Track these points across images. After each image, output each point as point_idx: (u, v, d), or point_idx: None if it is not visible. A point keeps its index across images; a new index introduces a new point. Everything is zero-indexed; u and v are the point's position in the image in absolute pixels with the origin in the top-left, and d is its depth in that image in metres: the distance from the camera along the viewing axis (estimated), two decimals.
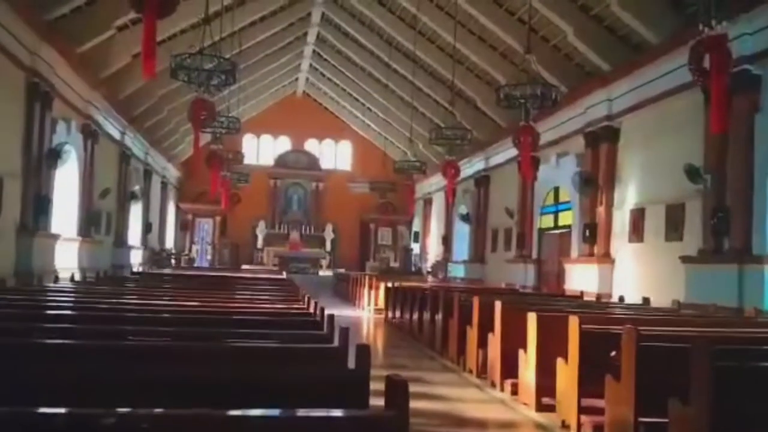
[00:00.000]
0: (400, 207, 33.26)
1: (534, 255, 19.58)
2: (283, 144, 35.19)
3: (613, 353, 5.45)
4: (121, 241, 22.52)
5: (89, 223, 18.82)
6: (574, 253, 16.93)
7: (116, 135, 21.93)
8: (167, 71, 12.66)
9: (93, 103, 18.67)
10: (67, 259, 16.75)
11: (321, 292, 21.40)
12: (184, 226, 33.39)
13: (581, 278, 15.85)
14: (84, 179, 18.61)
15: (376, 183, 28.59)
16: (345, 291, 21.61)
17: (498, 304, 8.04)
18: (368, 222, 34.80)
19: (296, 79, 32.42)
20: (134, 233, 24.65)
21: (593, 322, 6.36)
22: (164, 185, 30.00)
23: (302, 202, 34.41)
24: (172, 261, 29.48)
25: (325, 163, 35.05)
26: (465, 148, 20.61)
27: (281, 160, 34.35)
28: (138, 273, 16.97)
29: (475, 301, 9.04)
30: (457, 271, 25.57)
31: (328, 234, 33.34)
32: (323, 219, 33.76)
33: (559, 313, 7.19)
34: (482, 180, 24.50)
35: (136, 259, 24.34)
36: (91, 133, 18.80)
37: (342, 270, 28.12)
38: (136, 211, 24.80)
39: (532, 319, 7.02)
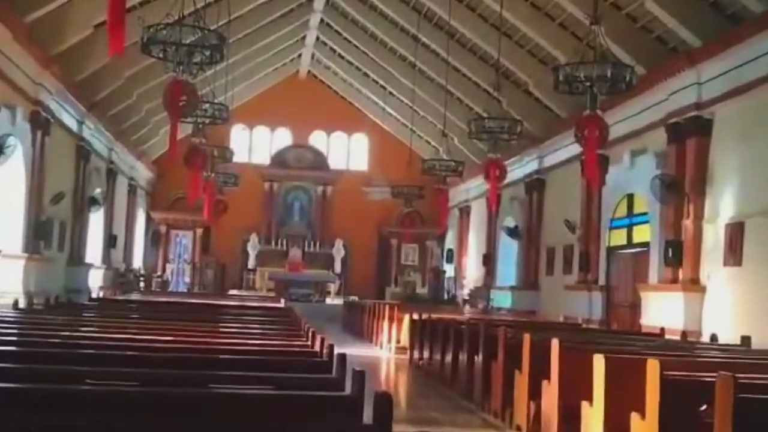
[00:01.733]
0: (429, 218, 33.22)
1: (601, 280, 19.45)
2: (283, 138, 35.41)
3: (704, 407, 5.39)
4: (77, 259, 22.71)
5: (37, 235, 19.01)
6: (653, 278, 16.79)
7: (73, 125, 22.18)
8: (137, 46, 12.79)
9: (44, 85, 18.91)
10: (8, 280, 16.91)
11: (329, 325, 21.38)
12: (157, 241, 33.63)
13: (662, 311, 15.70)
14: (32, 180, 18.81)
15: (399, 187, 28.56)
16: (359, 324, 21.59)
17: (555, 344, 7.98)
18: (389, 236, 34.83)
19: (299, 56, 32.64)
20: (94, 249, 24.85)
21: (678, 368, 6.29)
22: (132, 189, 30.26)
23: (305, 210, 34.54)
24: (141, 284, 29.64)
25: (335, 162, 35.19)
26: (513, 143, 20.52)
27: (279, 158, 34.54)
28: (98, 299, 17.06)
29: (526, 339, 8.98)
30: (503, 300, 25.45)
31: (338, 251, 33.40)
32: (332, 232, 33.85)
33: (633, 356, 7.12)
34: (535, 184, 24.44)
35: (96, 281, 24.54)
36: (41, 123, 19.02)
37: (355, 297, 28.10)
38: (96, 220, 25.02)
39: (599, 362, 6.97)
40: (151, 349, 6.27)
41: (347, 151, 35.87)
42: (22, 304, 12.30)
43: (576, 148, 17.04)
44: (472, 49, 23.95)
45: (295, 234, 33.64)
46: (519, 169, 24.96)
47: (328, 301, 29.80)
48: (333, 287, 31.71)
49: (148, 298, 17.87)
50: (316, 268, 32.26)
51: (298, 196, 34.67)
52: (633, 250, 18.52)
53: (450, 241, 34.26)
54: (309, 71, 34.17)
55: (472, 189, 30.86)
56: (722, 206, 14.99)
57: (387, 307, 18.57)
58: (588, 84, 12.01)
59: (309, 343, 7.21)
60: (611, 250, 19.40)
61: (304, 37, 30.39)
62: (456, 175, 24.81)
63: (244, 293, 28.37)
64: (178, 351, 6.25)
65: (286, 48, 30.22)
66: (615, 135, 16.41)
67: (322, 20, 28.77)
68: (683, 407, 5.68)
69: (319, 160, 34.66)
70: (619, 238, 19.23)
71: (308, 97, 33.38)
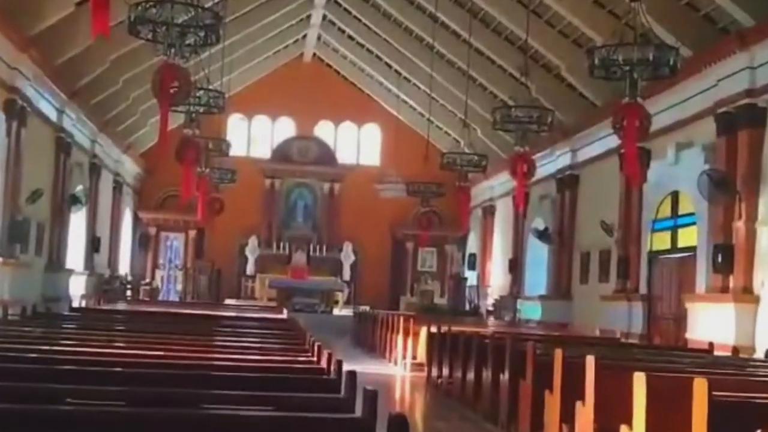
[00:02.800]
0: (449, 218, 33.19)
1: (642, 289, 19.39)
2: (285, 129, 35.47)
3: None
4: (56, 264, 22.79)
5: (12, 237, 19.07)
6: (701, 287, 16.73)
7: (52, 115, 22.26)
8: (123, 26, 12.82)
9: (20, 70, 18.97)
10: None
11: (337, 338, 21.39)
12: (145, 244, 33.73)
13: (711, 323, 15.63)
14: (6, 176, 18.88)
15: (415, 184, 28.57)
16: (370, 338, 21.60)
17: (590, 361, 7.96)
18: (404, 239, 34.83)
19: (304, 37, 32.68)
20: (75, 253, 24.94)
21: (728, 388, 6.27)
22: (118, 186, 30.35)
23: (311, 210, 34.58)
24: (128, 292, 29.71)
25: (344, 156, 35.24)
26: (543, 135, 20.48)
27: (282, 152, 34.59)
28: (80, 309, 17.12)
29: (557, 355, 8.96)
30: (531, 311, 25.41)
31: (347, 256, 33.42)
32: (340, 235, 33.88)
33: (678, 375, 7.10)
34: (567, 181, 24.41)
35: (78, 288, 24.62)
36: (16, 113, 19.09)
37: (366, 308, 28.11)
38: (78, 221, 25.10)
39: (639, 382, 6.94)
40: (139, 365, 6.29)
41: (357, 144, 35.89)
42: None
43: (614, 141, 16.98)
44: (497, 29, 23.91)
45: (299, 236, 33.66)
46: (549, 163, 24.91)
47: (336, 311, 29.81)
48: (341, 296, 31.71)
49: (136, 308, 17.92)
50: (323, 275, 32.27)
51: (302, 194, 34.70)
52: (678, 256, 18.43)
53: (472, 245, 34.21)
54: (314, 54, 34.20)
55: (496, 186, 30.79)
56: None
57: (402, 318, 18.58)
58: (627, 68, 11.98)
59: (314, 358, 7.23)
60: (653, 256, 19.31)
61: (309, 16, 30.40)
62: (479, 171, 24.77)
63: (242, 303, 28.40)
64: (169, 367, 6.26)
65: (289, 28, 30.25)
66: (658, 126, 16.34)
67: None
68: None
69: (325, 154, 34.68)
70: (662, 241, 19.15)
71: (314, 84, 33.39)
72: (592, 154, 22.85)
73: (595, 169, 22.76)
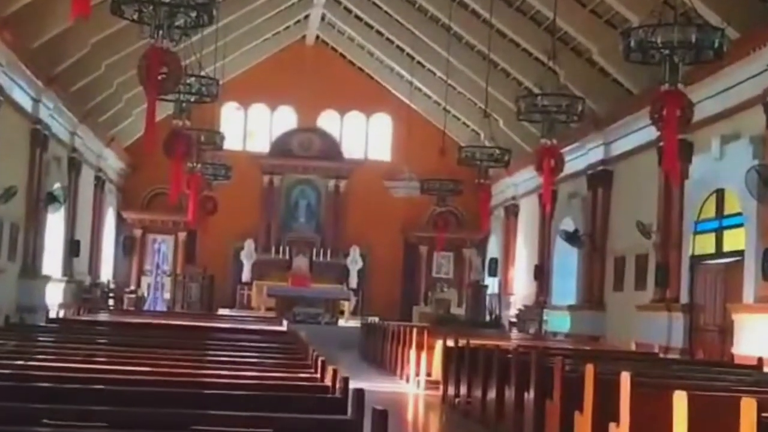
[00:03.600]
0: (467, 219, 33.19)
1: (683, 298, 19.36)
2: (285, 119, 35.51)
3: None
4: (31, 270, 22.84)
5: None
6: (749, 296, 16.67)
7: (27, 104, 22.33)
8: (106, 5, 12.85)
9: None
10: None
11: (342, 352, 21.47)
12: (130, 248, 33.78)
13: (760, 337, 15.58)
14: None
15: (430, 181, 28.53)
16: (380, 352, 21.59)
17: (625, 378, 7.94)
18: (417, 243, 34.84)
19: (306, 18, 32.70)
20: (53, 257, 25.01)
21: None
22: (100, 183, 30.42)
23: (314, 210, 34.61)
24: (111, 302, 29.75)
25: (351, 150, 35.27)
26: (572, 126, 20.47)
27: (282, 145, 34.63)
28: (58, 320, 17.14)
29: (588, 371, 8.95)
30: (559, 322, 25.40)
31: (354, 262, 33.45)
32: (346, 238, 33.92)
33: (724, 394, 7.08)
34: (600, 177, 24.38)
35: (56, 297, 24.68)
36: None
37: (375, 319, 28.14)
38: (55, 222, 25.16)
39: (680, 401, 6.93)
40: (123, 383, 6.30)
41: (365, 137, 35.92)
42: None
43: (652, 133, 16.96)
44: (521, 8, 23.89)
45: (301, 240, 33.69)
46: (580, 158, 24.89)
47: (342, 323, 29.79)
48: (348, 306, 31.68)
49: (119, 319, 17.94)
50: (327, 283, 32.29)
51: (304, 192, 34.73)
52: (723, 261, 18.38)
53: (493, 249, 34.18)
54: (318, 37, 34.21)
55: (520, 183, 30.75)
56: None
57: (415, 330, 18.54)
58: (667, 52, 11.95)
59: (318, 375, 7.23)
60: (696, 261, 19.27)
61: None
62: (501, 166, 24.73)
63: (238, 313, 28.40)
64: (156, 385, 6.27)
65: (289, 8, 30.28)
66: (701, 115, 16.33)
67: None
68: None
69: (330, 148, 34.70)
70: (705, 245, 19.10)
71: (317, 69, 33.38)
72: (627, 148, 22.80)
73: (631, 164, 22.72)
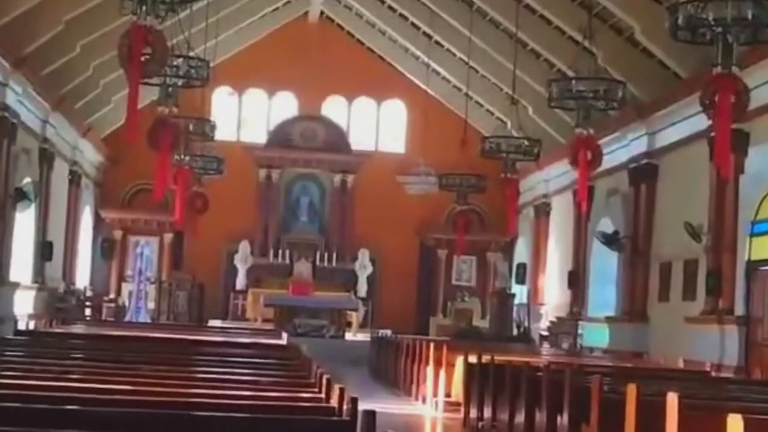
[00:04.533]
0: (492, 219, 33.20)
1: (738, 309, 19.32)
2: (285, 106, 35.61)
3: None
4: None
5: None
6: None
7: None
8: None
9: None
10: None
11: (350, 369, 21.45)
12: (109, 251, 33.82)
13: None
14: None
15: (449, 176, 28.56)
16: (392, 369, 21.60)
17: (672, 399, 7.93)
18: (435, 246, 34.87)
19: None
20: (22, 261, 25.05)
21: None
22: (75, 177, 30.46)
23: (317, 209, 34.66)
24: (88, 311, 29.79)
25: (359, 141, 35.37)
26: (612, 114, 20.44)
27: (281, 135, 34.68)
28: (27, 332, 17.18)
29: (630, 392, 8.93)
30: (596, 335, 25.39)
31: (363, 267, 33.48)
32: (354, 240, 33.99)
33: None
34: (643, 172, 24.35)
35: (25, 306, 24.74)
36: None
37: (387, 332, 28.08)
38: (25, 222, 25.19)
39: (735, 425, 6.91)
40: (101, 403, 6.30)
41: (376, 126, 35.98)
42: None
43: (702, 121, 16.90)
44: None
45: (303, 242, 33.75)
46: (620, 150, 24.90)
47: (349, 336, 29.84)
48: (356, 317, 31.67)
49: (97, 331, 17.93)
50: (332, 291, 32.35)
51: (306, 188, 34.77)
52: None
53: (521, 253, 34.17)
54: (322, 13, 34.24)
55: (552, 179, 30.74)
56: None
57: (432, 345, 18.55)
58: (719, 30, 11.92)
59: (322, 395, 7.23)
60: (752, 267, 19.25)
61: None
62: (530, 160, 24.74)
63: (231, 325, 28.43)
64: (138, 406, 6.27)
65: None
66: (758, 102, 16.30)
67: None
68: None
69: (336, 138, 34.77)
70: (763, 248, 19.09)
71: (321, 50, 33.45)
72: (674, 138, 22.77)
73: (679, 157, 22.69)
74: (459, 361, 16.82)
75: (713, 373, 16.87)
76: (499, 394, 13.62)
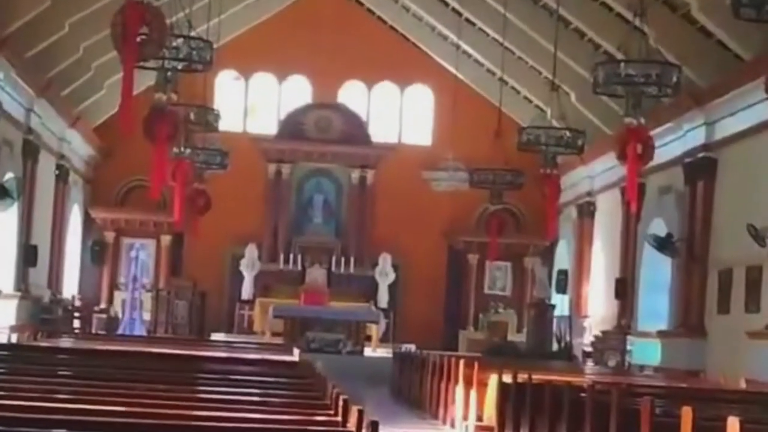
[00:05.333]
0: (529, 220, 33.23)
1: None
2: (297, 92, 35.71)
3: None
4: None
5: None
6: None
7: None
8: None
9: None
10: None
11: (370, 389, 21.51)
12: (100, 255, 33.94)
13: None
14: None
15: (481, 172, 28.57)
16: (416, 389, 21.62)
17: (733, 424, 7.86)
18: (464, 250, 34.97)
19: None
20: (3, 267, 25.17)
21: None
22: (63, 173, 30.56)
23: (333, 208, 34.76)
24: (77, 323, 29.87)
25: (380, 132, 35.48)
26: (665, 101, 20.36)
27: (292, 125, 34.82)
28: (9, 345, 17.22)
29: (685, 415, 8.90)
30: (647, 351, 25.38)
31: (384, 274, 33.54)
32: (374, 243, 34.11)
33: None
34: (700, 167, 24.32)
35: (7, 317, 24.85)
36: None
37: (411, 346, 28.16)
38: (6, 222, 25.30)
39: None
40: (92, 426, 6.31)
41: (399, 115, 36.08)
42: None
43: (766, 112, 16.84)
44: None
45: (317, 245, 33.87)
46: (674, 142, 24.89)
47: (368, 352, 29.92)
48: (376, 330, 31.75)
49: (87, 346, 17.97)
50: (349, 301, 32.47)
51: (321, 185, 34.89)
52: None
53: (562, 259, 34.20)
54: None
55: (598, 175, 30.75)
56: None
57: (462, 362, 18.54)
58: None
59: (338, 418, 7.24)
60: None
61: None
62: (573, 153, 24.73)
63: (236, 339, 28.48)
64: (133, 429, 6.30)
65: None
66: None
67: None
68: None
69: (354, 129, 34.89)
70: None
71: (338, 29, 33.60)
72: (736, 129, 22.74)
73: (741, 150, 22.67)
74: (492, 380, 16.82)
75: None
76: (537, 417, 13.67)
